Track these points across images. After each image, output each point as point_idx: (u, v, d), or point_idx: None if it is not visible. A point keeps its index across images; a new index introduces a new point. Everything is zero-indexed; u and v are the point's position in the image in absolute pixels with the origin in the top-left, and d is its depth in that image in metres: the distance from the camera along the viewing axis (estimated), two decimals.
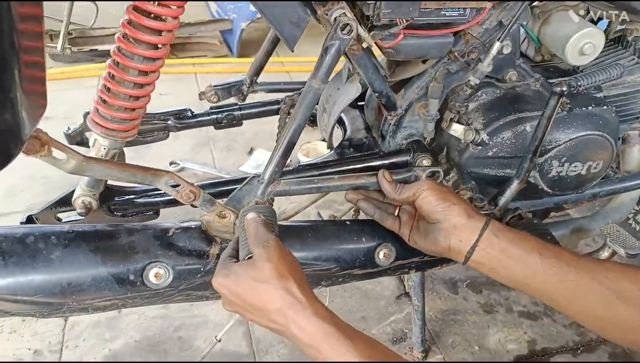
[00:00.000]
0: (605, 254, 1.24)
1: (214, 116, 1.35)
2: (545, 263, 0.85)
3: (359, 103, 1.27)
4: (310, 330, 0.72)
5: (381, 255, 1.05)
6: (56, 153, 0.75)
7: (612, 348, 1.58)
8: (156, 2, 0.82)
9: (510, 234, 0.89)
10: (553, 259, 0.85)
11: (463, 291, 1.72)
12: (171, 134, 1.35)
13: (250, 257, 0.80)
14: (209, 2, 3.38)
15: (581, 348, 1.57)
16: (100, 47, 3.00)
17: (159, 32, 0.86)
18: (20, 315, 0.89)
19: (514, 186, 1.08)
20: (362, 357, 0.71)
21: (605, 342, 1.60)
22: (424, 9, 0.94)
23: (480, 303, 1.68)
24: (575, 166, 1.13)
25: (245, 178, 0.97)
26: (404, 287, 1.69)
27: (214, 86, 1.34)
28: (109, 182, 1.07)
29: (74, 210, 1.05)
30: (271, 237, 0.81)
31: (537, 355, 1.55)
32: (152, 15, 0.85)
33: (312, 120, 1.39)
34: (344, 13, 0.91)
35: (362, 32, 0.95)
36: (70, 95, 2.62)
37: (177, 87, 2.73)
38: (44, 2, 0.65)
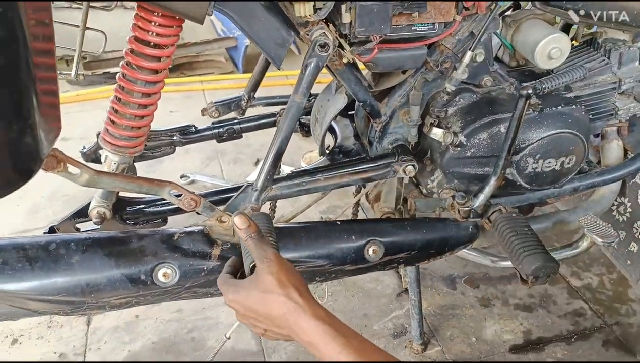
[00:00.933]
0: (584, 244, 1.31)
1: (216, 130, 1.46)
2: None
3: (349, 112, 1.37)
4: (309, 331, 0.81)
5: (370, 251, 1.15)
6: (71, 169, 0.86)
7: (605, 336, 1.64)
8: (154, 33, 0.93)
9: None
10: None
11: (461, 287, 1.79)
12: (182, 148, 1.46)
13: (253, 267, 0.89)
14: (215, 22, 3.52)
15: (575, 336, 1.64)
16: (113, 70, 3.15)
17: (158, 58, 0.97)
18: (47, 314, 0.99)
19: (492, 183, 1.17)
20: (355, 353, 0.79)
21: (599, 330, 1.67)
22: (396, 25, 1.04)
23: (477, 298, 1.75)
24: (549, 162, 1.21)
25: (241, 186, 1.08)
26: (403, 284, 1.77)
27: (215, 103, 1.45)
28: (121, 194, 1.19)
29: (91, 220, 1.17)
30: (270, 250, 0.89)
31: (532, 344, 1.62)
32: (151, 44, 0.96)
33: (307, 130, 1.50)
34: (324, 33, 1.01)
35: (345, 48, 1.05)
36: (86, 117, 2.75)
37: (186, 104, 2.86)
38: (57, 31, 0.75)
